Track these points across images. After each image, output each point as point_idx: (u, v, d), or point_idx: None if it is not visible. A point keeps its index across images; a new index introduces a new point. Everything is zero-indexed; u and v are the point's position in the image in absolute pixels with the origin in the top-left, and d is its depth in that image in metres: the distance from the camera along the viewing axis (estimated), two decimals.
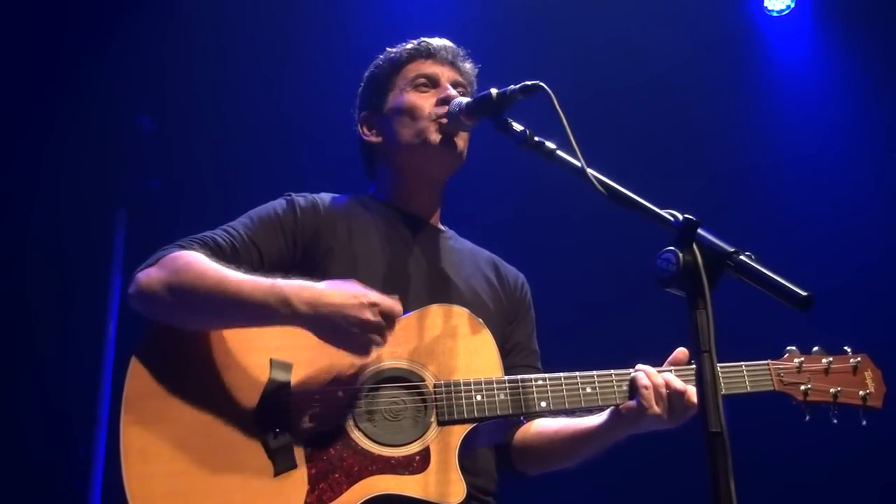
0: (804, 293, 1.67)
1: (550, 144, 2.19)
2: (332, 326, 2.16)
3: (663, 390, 2.33)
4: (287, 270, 2.38)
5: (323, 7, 5.06)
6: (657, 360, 2.43)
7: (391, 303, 2.18)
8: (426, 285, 2.52)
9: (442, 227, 2.75)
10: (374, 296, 2.17)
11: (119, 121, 4.82)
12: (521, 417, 2.54)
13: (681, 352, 2.42)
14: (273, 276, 2.24)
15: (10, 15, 4.62)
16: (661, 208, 1.92)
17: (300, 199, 2.56)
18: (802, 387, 2.49)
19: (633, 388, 2.36)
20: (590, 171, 2.05)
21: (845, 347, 2.59)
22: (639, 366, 2.40)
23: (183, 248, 2.33)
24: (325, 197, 2.62)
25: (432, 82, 2.66)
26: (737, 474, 1.64)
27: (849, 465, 4.67)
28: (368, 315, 2.14)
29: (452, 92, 2.60)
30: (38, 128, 4.75)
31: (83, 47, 4.77)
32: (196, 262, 2.27)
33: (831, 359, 2.55)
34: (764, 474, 4.51)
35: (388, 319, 2.17)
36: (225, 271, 2.23)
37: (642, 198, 2.00)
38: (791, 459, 4.75)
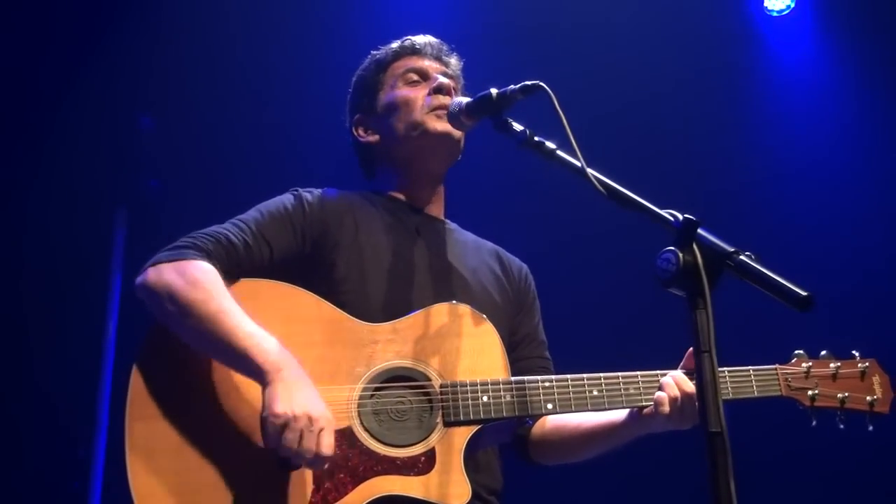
0: (804, 293, 1.67)
1: (550, 144, 2.18)
2: (280, 415, 2.09)
3: (679, 396, 2.33)
4: (296, 265, 2.40)
5: (323, 7, 5.06)
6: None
7: (327, 449, 2.11)
8: (432, 278, 2.52)
9: (445, 220, 2.75)
10: (326, 422, 2.11)
11: (119, 121, 4.82)
12: (527, 419, 2.54)
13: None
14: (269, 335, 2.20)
15: (10, 15, 4.62)
16: (661, 208, 1.92)
17: (307, 193, 2.56)
18: (810, 392, 2.47)
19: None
20: (590, 170, 2.05)
21: (853, 352, 2.56)
22: (670, 372, 2.38)
23: (199, 250, 2.31)
24: (330, 191, 2.62)
25: (422, 76, 2.68)
26: (737, 474, 1.64)
27: (852, 468, 4.66)
28: (310, 438, 2.08)
29: (444, 80, 2.62)
30: (38, 127, 4.74)
31: (83, 47, 4.77)
32: (206, 280, 2.25)
33: (839, 363, 2.52)
34: (764, 474, 4.50)
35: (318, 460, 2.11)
36: (228, 304, 2.22)
37: (642, 197, 1.99)
38: (792, 460, 4.75)
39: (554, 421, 2.60)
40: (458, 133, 2.59)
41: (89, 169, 4.70)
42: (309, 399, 2.13)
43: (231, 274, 2.32)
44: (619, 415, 2.46)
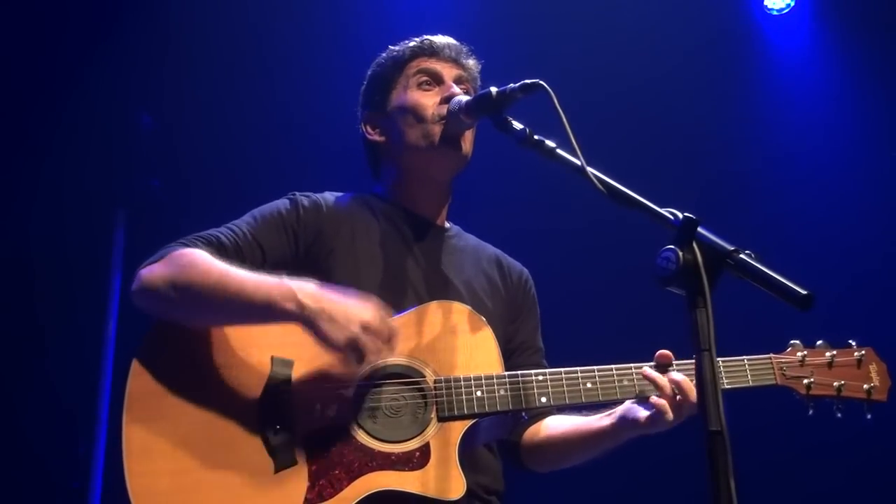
0: (804, 292, 1.67)
1: (550, 143, 2.18)
2: (329, 336, 2.15)
3: (673, 391, 2.32)
4: (289, 270, 2.37)
5: (323, 5, 5.06)
6: (652, 355, 2.42)
7: (387, 327, 2.17)
8: (426, 288, 2.52)
9: (447, 226, 2.74)
10: (368, 315, 2.16)
11: (119, 120, 4.82)
12: (522, 413, 2.54)
13: (662, 355, 2.39)
14: (278, 274, 2.24)
15: (11, 14, 4.62)
16: (661, 207, 1.92)
17: (304, 198, 2.55)
18: (805, 380, 2.47)
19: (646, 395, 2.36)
20: (590, 169, 2.05)
21: (850, 341, 2.56)
22: (645, 369, 2.38)
23: (186, 245, 2.34)
24: (328, 197, 2.61)
25: (436, 80, 2.64)
26: (737, 473, 1.64)
27: (852, 460, 4.66)
28: (364, 339, 2.14)
29: (456, 90, 2.58)
30: (38, 127, 4.75)
31: (84, 47, 4.77)
32: (199, 258, 2.28)
33: (835, 352, 2.53)
34: (764, 474, 4.50)
35: (382, 336, 2.17)
36: (228, 268, 2.24)
37: (642, 196, 1.99)
38: (792, 457, 4.75)
39: (547, 426, 2.61)
40: (465, 146, 2.58)
41: (89, 169, 4.70)
42: (346, 310, 2.15)
43: None
44: (615, 415, 2.45)
